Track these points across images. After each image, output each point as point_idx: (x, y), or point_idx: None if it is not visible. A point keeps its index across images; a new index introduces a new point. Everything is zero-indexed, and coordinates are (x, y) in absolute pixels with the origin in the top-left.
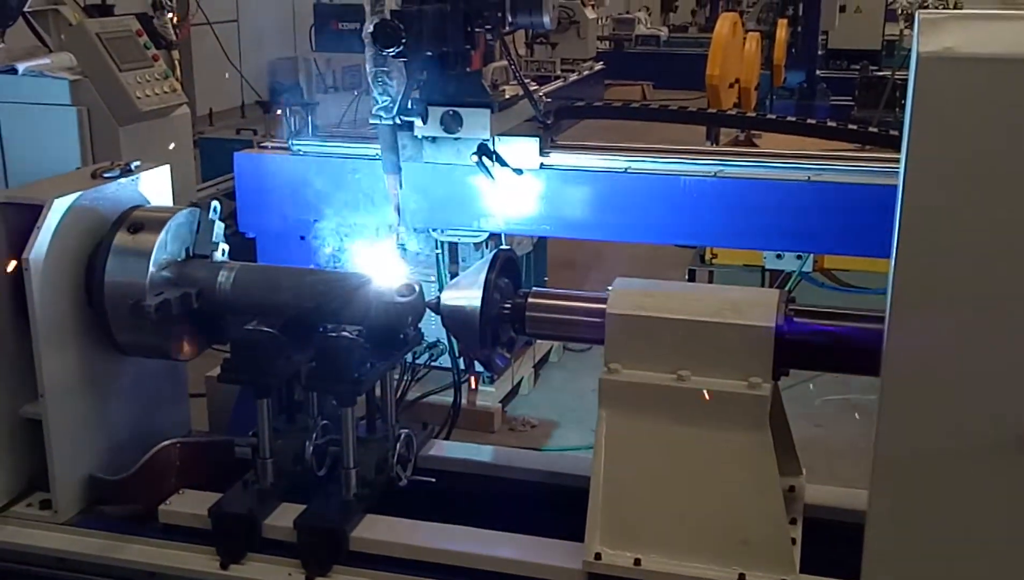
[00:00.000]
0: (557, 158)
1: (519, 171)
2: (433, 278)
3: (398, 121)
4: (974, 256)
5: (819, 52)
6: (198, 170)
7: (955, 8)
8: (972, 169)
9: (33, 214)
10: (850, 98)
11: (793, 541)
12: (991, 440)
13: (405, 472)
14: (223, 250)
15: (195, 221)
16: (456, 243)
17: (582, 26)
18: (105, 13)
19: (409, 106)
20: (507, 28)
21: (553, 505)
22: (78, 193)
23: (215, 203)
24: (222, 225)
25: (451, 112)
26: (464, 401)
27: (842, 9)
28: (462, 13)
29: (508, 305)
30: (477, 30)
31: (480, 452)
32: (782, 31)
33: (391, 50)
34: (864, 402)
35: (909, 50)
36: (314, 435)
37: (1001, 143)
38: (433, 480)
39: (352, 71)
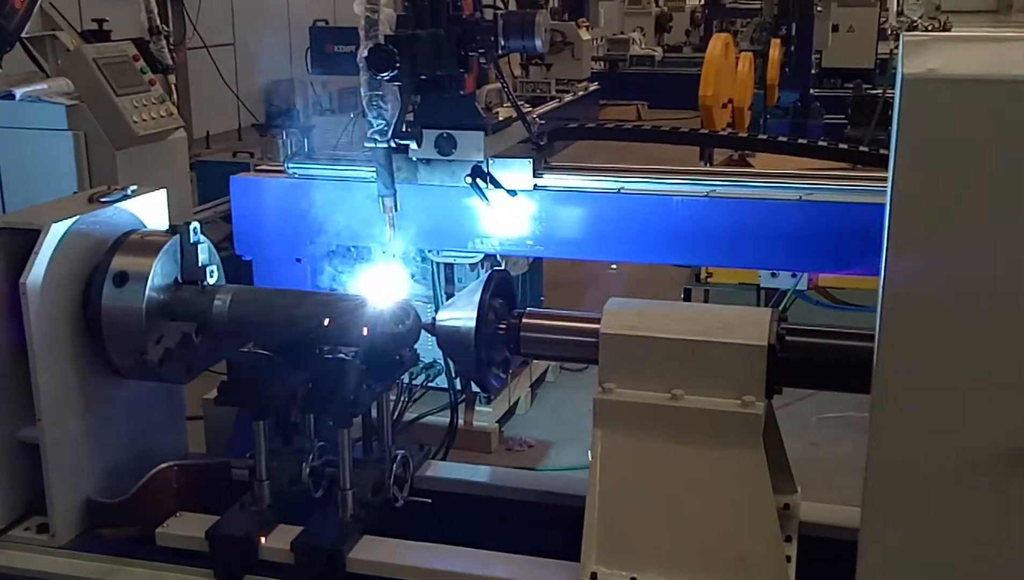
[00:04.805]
0: (551, 179)
1: (513, 192)
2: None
3: (393, 144)
4: (961, 273)
5: (812, 71)
6: (195, 193)
7: (944, 28)
8: (957, 189)
9: (30, 239)
10: (843, 116)
11: (788, 559)
12: (984, 456)
13: (402, 493)
14: (210, 271)
15: (178, 245)
16: (451, 264)
17: (576, 47)
18: (102, 38)
19: (404, 129)
20: (500, 52)
21: (549, 525)
22: (75, 218)
23: (195, 224)
24: (207, 244)
25: (445, 135)
26: (461, 421)
27: (835, 28)
28: (455, 37)
29: (503, 326)
30: (470, 54)
31: (477, 472)
32: (775, 51)
33: (385, 74)
34: (860, 419)
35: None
36: (311, 457)
37: (985, 163)
38: (429, 501)
39: (348, 93)
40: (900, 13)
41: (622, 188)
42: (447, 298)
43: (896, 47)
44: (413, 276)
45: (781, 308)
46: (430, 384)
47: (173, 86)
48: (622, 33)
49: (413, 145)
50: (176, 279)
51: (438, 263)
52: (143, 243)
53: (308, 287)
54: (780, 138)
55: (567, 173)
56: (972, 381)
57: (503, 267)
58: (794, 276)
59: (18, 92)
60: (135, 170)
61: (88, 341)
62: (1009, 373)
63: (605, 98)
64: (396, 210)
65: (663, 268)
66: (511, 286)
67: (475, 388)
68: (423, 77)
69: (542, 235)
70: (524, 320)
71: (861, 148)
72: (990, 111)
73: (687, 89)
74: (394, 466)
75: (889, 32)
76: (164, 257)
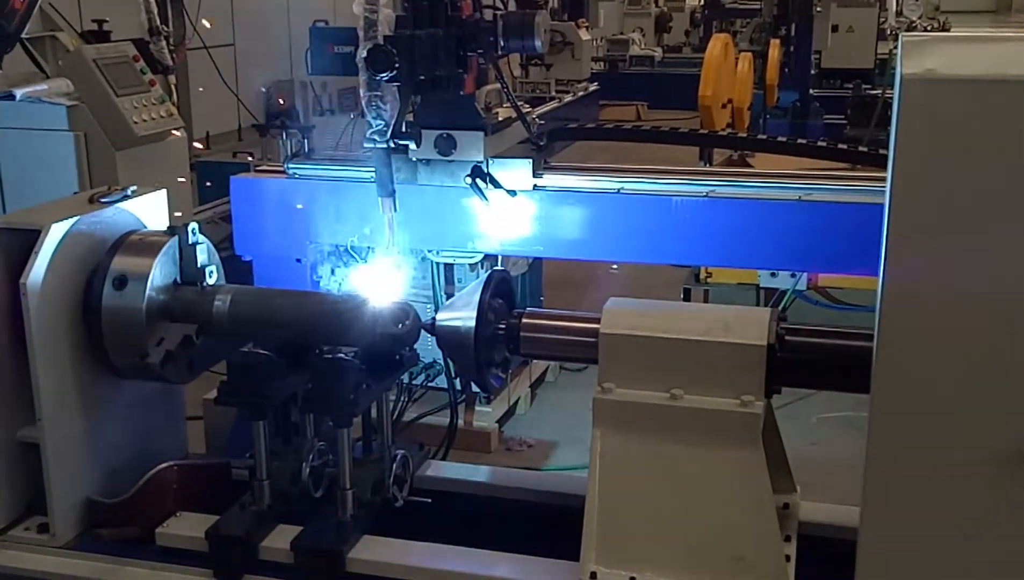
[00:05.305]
0: (550, 179)
1: (513, 193)
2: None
3: (392, 144)
4: (960, 273)
5: (812, 71)
6: (195, 193)
7: (943, 29)
8: (956, 188)
9: (31, 239)
10: (843, 117)
11: (787, 558)
12: (983, 456)
13: (401, 493)
14: (210, 272)
15: (176, 246)
16: (451, 264)
17: (576, 48)
18: (102, 39)
19: (403, 129)
20: (499, 52)
21: (549, 524)
22: (75, 218)
23: (193, 225)
24: (205, 245)
25: (445, 135)
26: (461, 421)
27: (834, 29)
28: (455, 38)
29: (502, 326)
30: (470, 54)
31: (476, 472)
32: (775, 51)
33: (384, 75)
34: (859, 419)
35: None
36: (311, 457)
37: (984, 163)
38: (429, 501)
39: (348, 94)
40: (899, 13)
41: (622, 188)
42: (447, 298)
43: (895, 47)
44: (412, 276)
45: (780, 308)
46: (430, 384)
47: (173, 86)
48: (622, 33)
49: (412, 145)
50: (175, 280)
51: (438, 263)
52: (143, 244)
53: (308, 287)
54: (779, 138)
55: (567, 173)
56: (971, 381)
57: (503, 267)
58: (793, 276)
59: (18, 93)
60: (135, 170)
61: (88, 341)
62: (1008, 373)
63: (605, 98)
64: (395, 210)
65: (662, 268)
66: (511, 286)
67: (475, 388)
68: (422, 77)
69: (542, 235)
70: (524, 320)
71: (860, 148)
72: (989, 111)
73: (687, 89)
74: (394, 466)
75: (888, 32)
76: (164, 258)
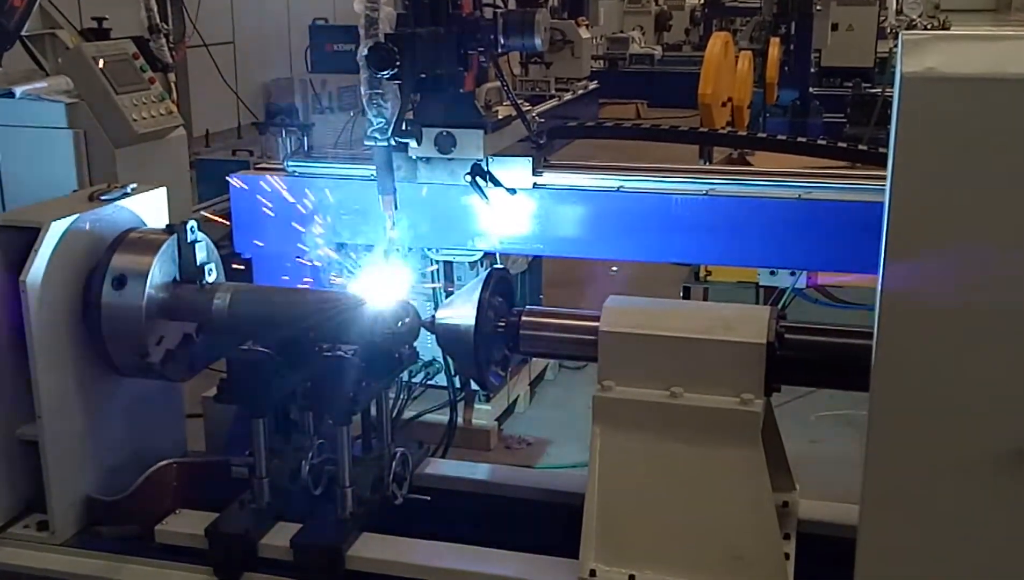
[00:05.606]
0: (550, 178)
1: (512, 191)
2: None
3: (393, 142)
4: (959, 271)
5: (812, 70)
6: (194, 191)
7: (943, 27)
8: (956, 187)
9: (30, 237)
10: (843, 115)
11: (787, 556)
12: (982, 454)
13: (401, 490)
14: (209, 270)
15: (175, 244)
16: (451, 262)
17: (576, 46)
18: (101, 37)
19: (404, 127)
20: (500, 50)
21: (548, 522)
22: (75, 216)
23: (192, 223)
24: (204, 243)
25: (445, 133)
26: (460, 419)
27: (834, 27)
28: (455, 36)
29: (502, 324)
30: (470, 52)
31: (476, 470)
32: (775, 49)
33: (385, 72)
34: (858, 417)
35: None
36: (310, 454)
37: (984, 161)
38: (428, 498)
39: (348, 92)
40: (899, 12)
41: (621, 186)
42: (446, 296)
43: (895, 46)
44: (414, 274)
45: (780, 306)
46: (429, 382)
47: (173, 84)
48: (622, 32)
49: (413, 143)
50: (175, 278)
51: (438, 261)
52: (142, 242)
53: (307, 285)
54: (779, 136)
55: (566, 171)
56: (970, 379)
57: (502, 265)
58: (793, 274)
59: (18, 90)
60: (135, 168)
61: (88, 339)
62: (1007, 372)
63: (604, 97)
64: (396, 208)
65: (662, 266)
66: (510, 284)
67: (474, 386)
68: (423, 75)
69: (541, 233)
70: (523, 318)
71: (860, 146)
72: (989, 110)
73: (686, 88)
74: (393, 464)
75: (888, 31)
76: (163, 256)
